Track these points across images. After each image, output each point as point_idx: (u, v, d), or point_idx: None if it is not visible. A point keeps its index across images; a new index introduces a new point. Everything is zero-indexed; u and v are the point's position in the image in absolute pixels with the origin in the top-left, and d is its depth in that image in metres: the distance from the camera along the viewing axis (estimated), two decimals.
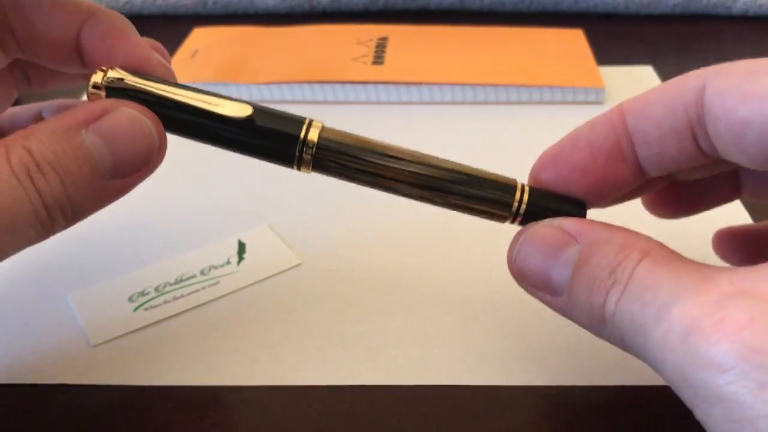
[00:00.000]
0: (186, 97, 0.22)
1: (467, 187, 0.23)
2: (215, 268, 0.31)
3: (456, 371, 0.26)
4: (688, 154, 0.22)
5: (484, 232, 0.32)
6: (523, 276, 0.22)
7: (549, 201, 0.23)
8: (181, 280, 0.30)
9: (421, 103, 0.44)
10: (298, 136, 0.22)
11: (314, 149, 0.23)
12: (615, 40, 0.52)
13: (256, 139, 0.23)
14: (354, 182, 0.23)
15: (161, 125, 0.22)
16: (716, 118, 0.20)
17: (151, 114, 0.22)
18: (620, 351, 0.20)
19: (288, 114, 0.23)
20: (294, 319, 0.29)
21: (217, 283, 0.30)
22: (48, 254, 0.32)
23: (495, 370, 0.26)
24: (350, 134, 0.23)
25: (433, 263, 0.31)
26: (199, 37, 0.50)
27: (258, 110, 0.23)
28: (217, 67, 0.45)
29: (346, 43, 0.48)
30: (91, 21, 0.24)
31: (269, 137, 0.23)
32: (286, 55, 0.46)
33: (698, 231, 0.28)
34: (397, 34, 0.49)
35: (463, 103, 0.44)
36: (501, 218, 0.23)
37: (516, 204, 0.23)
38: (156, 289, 0.30)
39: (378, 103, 0.44)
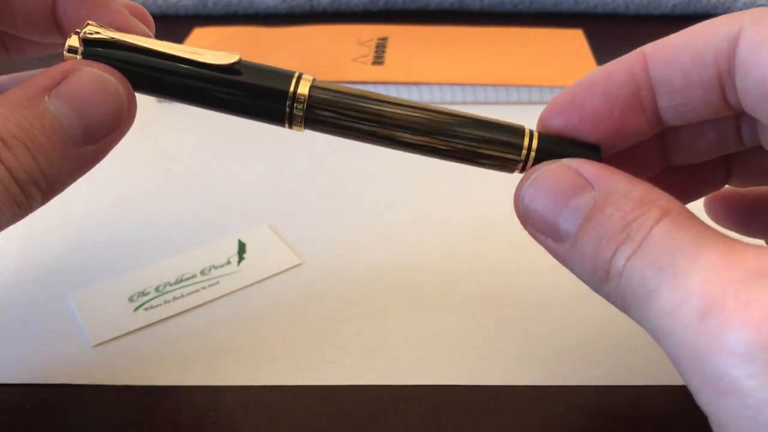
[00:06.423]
0: (168, 47, 0.21)
1: (472, 129, 0.21)
2: (215, 268, 0.31)
3: (456, 371, 0.26)
4: (713, 106, 0.20)
5: (483, 232, 0.33)
6: (528, 217, 0.20)
7: (561, 147, 0.21)
8: (181, 280, 0.30)
9: None
10: (288, 91, 0.21)
11: (305, 104, 0.21)
12: (615, 40, 0.52)
13: (242, 95, 0.21)
14: (352, 137, 0.22)
15: (128, 83, 0.21)
16: (746, 74, 0.19)
17: (117, 73, 0.21)
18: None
19: (276, 68, 0.21)
20: (294, 319, 0.29)
21: (217, 283, 0.30)
22: (48, 254, 0.32)
23: (495, 370, 0.26)
24: (343, 86, 0.22)
25: (433, 263, 0.31)
26: (199, 37, 0.50)
27: (244, 63, 0.21)
28: None
29: (346, 43, 0.48)
30: None
31: (257, 93, 0.21)
32: (286, 55, 0.46)
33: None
34: (397, 34, 0.49)
35: (463, 103, 0.44)
36: (509, 165, 0.22)
37: (525, 151, 0.21)
38: (156, 289, 0.30)
39: None
